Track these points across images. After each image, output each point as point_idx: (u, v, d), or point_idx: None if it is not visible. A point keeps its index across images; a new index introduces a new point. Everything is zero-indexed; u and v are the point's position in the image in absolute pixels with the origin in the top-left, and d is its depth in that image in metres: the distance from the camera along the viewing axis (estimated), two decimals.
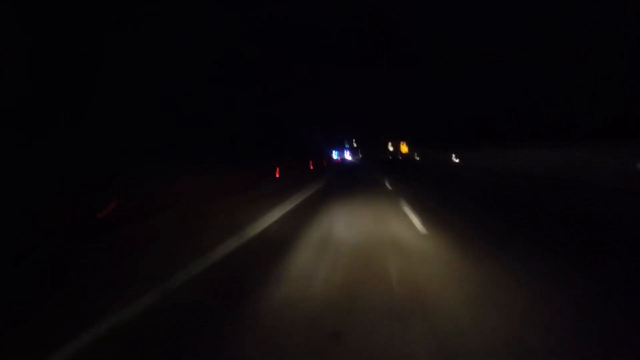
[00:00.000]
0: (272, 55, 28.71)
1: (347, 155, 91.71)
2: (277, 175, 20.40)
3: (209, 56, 17.50)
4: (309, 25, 35.36)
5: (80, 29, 9.99)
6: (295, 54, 35.28)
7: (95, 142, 9.42)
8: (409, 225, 7.60)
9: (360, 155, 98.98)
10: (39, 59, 9.06)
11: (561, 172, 15.08)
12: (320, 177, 23.14)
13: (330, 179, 22.55)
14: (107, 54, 10.80)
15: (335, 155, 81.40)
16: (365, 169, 36.49)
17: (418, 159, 56.10)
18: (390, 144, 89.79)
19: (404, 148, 77.38)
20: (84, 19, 10.07)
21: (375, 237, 6.63)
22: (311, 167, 34.00)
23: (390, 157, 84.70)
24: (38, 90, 9.15)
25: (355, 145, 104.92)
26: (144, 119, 12.23)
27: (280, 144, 29.37)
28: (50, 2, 9.48)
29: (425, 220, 7.84)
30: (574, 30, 21.61)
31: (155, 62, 13.39)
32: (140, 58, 12.33)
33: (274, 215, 9.04)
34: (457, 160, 34.13)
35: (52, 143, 9.15)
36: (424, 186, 16.82)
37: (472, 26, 29.85)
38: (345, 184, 18.38)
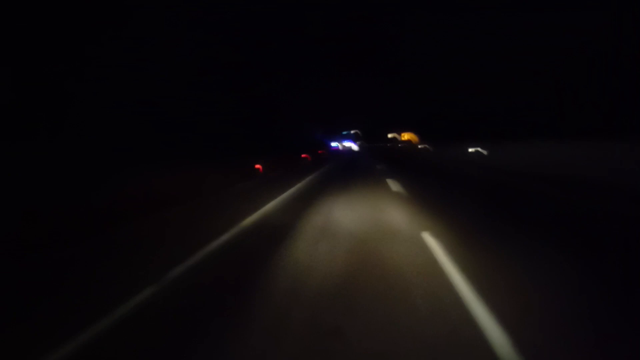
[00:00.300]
0: (274, 55, 28.68)
1: (347, 144, 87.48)
2: (261, 170, 19.33)
3: (205, 59, 17.47)
4: (309, 25, 35.39)
5: (66, 37, 9.83)
6: (299, 50, 35.14)
7: (81, 148, 9.27)
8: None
9: (360, 144, 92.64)
10: (21, 67, 8.90)
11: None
12: (313, 172, 20.41)
13: (324, 175, 19.09)
14: (94, 63, 10.62)
15: (334, 145, 77.13)
16: (365, 159, 33.79)
17: (421, 146, 50.34)
18: (393, 134, 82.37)
19: (408, 136, 68.96)
20: (71, 27, 9.93)
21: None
22: (303, 158, 31.45)
23: (391, 145, 76.16)
24: (22, 97, 8.99)
25: (354, 132, 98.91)
26: (139, 126, 12.10)
27: (276, 139, 28.74)
28: (35, 10, 9.32)
29: None
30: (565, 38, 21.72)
31: (160, 65, 13.35)
32: (140, 64, 12.22)
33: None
34: (485, 153, 27.86)
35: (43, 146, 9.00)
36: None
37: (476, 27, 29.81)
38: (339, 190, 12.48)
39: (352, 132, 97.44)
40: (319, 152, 44.72)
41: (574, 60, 21.89)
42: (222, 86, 19.80)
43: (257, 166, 18.58)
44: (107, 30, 10.68)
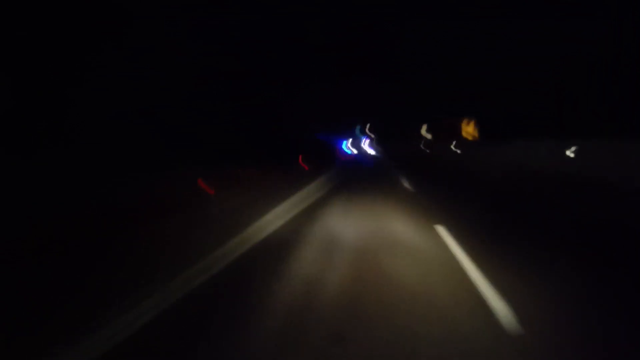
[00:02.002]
0: (274, 63, 28.76)
1: (366, 147, 59.05)
2: None
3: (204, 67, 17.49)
4: (309, 34, 35.58)
5: (66, 45, 9.85)
6: (299, 59, 35.05)
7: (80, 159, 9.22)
8: None
9: (379, 148, 55.84)
10: (22, 75, 8.90)
11: None
12: None
13: None
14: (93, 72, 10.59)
15: (346, 147, 49.84)
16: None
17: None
18: (425, 127, 46.53)
19: (469, 129, 36.08)
20: (71, 35, 9.96)
21: None
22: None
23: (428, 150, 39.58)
24: (22, 104, 8.99)
25: (368, 132, 63.50)
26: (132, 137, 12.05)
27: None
28: (36, 18, 9.36)
29: None
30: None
31: (161, 73, 13.34)
32: (141, 72, 12.22)
33: None
34: None
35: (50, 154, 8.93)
36: None
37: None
38: None
39: (367, 132, 63.27)
40: (305, 167, 22.79)
41: (574, 68, 21.97)
42: (222, 95, 19.74)
43: None
44: (108, 39, 10.73)
